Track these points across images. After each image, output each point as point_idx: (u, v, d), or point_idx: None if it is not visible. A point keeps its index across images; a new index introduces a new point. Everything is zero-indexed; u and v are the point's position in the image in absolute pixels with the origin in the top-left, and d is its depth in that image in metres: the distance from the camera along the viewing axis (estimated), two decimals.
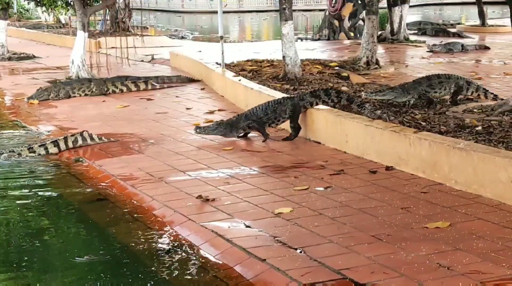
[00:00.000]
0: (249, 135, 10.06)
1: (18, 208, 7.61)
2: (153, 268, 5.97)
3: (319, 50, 20.02)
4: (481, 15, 25.61)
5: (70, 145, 9.88)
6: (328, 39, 24.56)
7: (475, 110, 9.66)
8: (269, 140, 9.80)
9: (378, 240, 5.95)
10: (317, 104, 9.84)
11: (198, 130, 9.96)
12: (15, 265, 6.11)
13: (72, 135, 10.01)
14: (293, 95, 10.19)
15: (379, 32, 20.08)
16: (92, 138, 10.05)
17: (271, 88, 11.66)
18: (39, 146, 9.76)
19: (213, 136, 9.97)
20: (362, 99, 9.89)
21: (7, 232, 6.99)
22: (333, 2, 24.71)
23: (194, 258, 6.09)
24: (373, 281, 5.16)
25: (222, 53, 14.21)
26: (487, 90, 10.60)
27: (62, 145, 9.84)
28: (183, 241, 6.41)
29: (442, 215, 6.50)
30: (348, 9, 24.34)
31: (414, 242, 5.85)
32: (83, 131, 10.10)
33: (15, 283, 5.84)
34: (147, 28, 31.30)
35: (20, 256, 6.30)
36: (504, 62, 16.19)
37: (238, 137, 9.97)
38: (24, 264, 6.10)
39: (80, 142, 9.95)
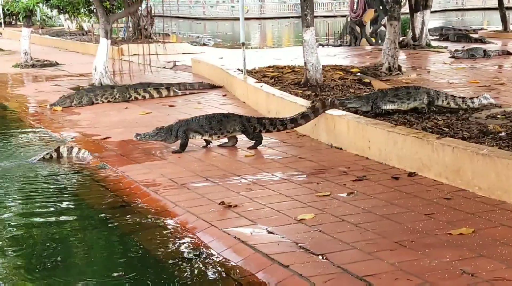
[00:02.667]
0: (270, 141, 10.05)
1: (41, 215, 7.65)
2: (175, 274, 5.99)
3: (341, 56, 20.00)
4: (504, 20, 25.50)
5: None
6: (350, 45, 24.55)
7: (498, 116, 9.61)
8: (290, 146, 9.80)
9: (402, 246, 5.93)
10: (260, 131, 9.89)
11: (138, 137, 9.90)
12: (38, 272, 6.17)
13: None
14: (240, 114, 10.21)
15: (401, 38, 20.05)
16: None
17: (293, 94, 11.67)
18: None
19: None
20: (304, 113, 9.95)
21: (30, 239, 7.02)
22: (355, 8, 24.72)
23: (216, 264, 6.10)
24: None
25: (244, 60, 14.24)
26: (455, 96, 10.49)
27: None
28: (206, 247, 6.42)
29: (465, 221, 6.47)
30: (369, 15, 24.33)
31: (438, 248, 5.83)
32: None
33: None
34: (169, 35, 31.46)
35: (43, 264, 6.34)
36: None
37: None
38: (47, 273, 6.14)
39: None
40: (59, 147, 10.02)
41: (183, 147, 9.82)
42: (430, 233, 6.19)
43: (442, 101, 10.22)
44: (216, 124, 9.84)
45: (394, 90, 10.33)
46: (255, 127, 9.90)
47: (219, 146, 10.04)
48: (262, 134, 9.96)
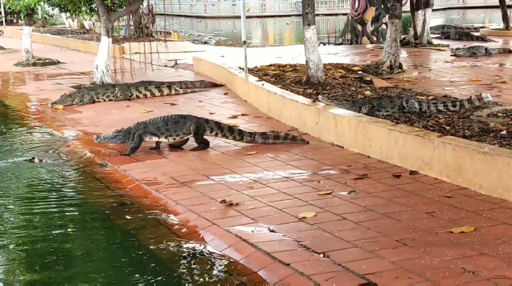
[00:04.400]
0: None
1: (43, 213, 7.68)
2: (176, 273, 6.00)
3: (342, 55, 20.01)
4: (505, 18, 25.49)
5: None
6: (351, 44, 24.54)
7: (499, 114, 9.62)
8: (291, 144, 9.78)
9: (403, 244, 5.93)
10: (216, 135, 9.86)
11: (98, 139, 9.92)
12: (39, 271, 6.18)
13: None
14: (198, 116, 10.18)
15: (402, 36, 20.03)
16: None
17: (294, 93, 11.67)
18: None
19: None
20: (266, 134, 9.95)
21: (31, 237, 7.01)
22: (356, 6, 24.71)
23: (218, 262, 6.10)
24: None
25: (245, 58, 14.23)
26: (422, 101, 10.60)
27: None
28: (207, 246, 6.43)
29: (466, 219, 6.47)
30: (370, 13, 24.32)
31: (439, 246, 5.83)
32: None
33: None
34: (170, 33, 31.48)
35: (44, 262, 6.36)
36: None
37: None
38: (49, 271, 6.17)
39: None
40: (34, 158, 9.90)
41: (133, 149, 9.69)
42: (431, 232, 6.20)
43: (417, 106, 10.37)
44: (172, 125, 9.74)
45: (378, 99, 10.69)
46: (212, 128, 9.85)
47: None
48: (217, 138, 9.93)
